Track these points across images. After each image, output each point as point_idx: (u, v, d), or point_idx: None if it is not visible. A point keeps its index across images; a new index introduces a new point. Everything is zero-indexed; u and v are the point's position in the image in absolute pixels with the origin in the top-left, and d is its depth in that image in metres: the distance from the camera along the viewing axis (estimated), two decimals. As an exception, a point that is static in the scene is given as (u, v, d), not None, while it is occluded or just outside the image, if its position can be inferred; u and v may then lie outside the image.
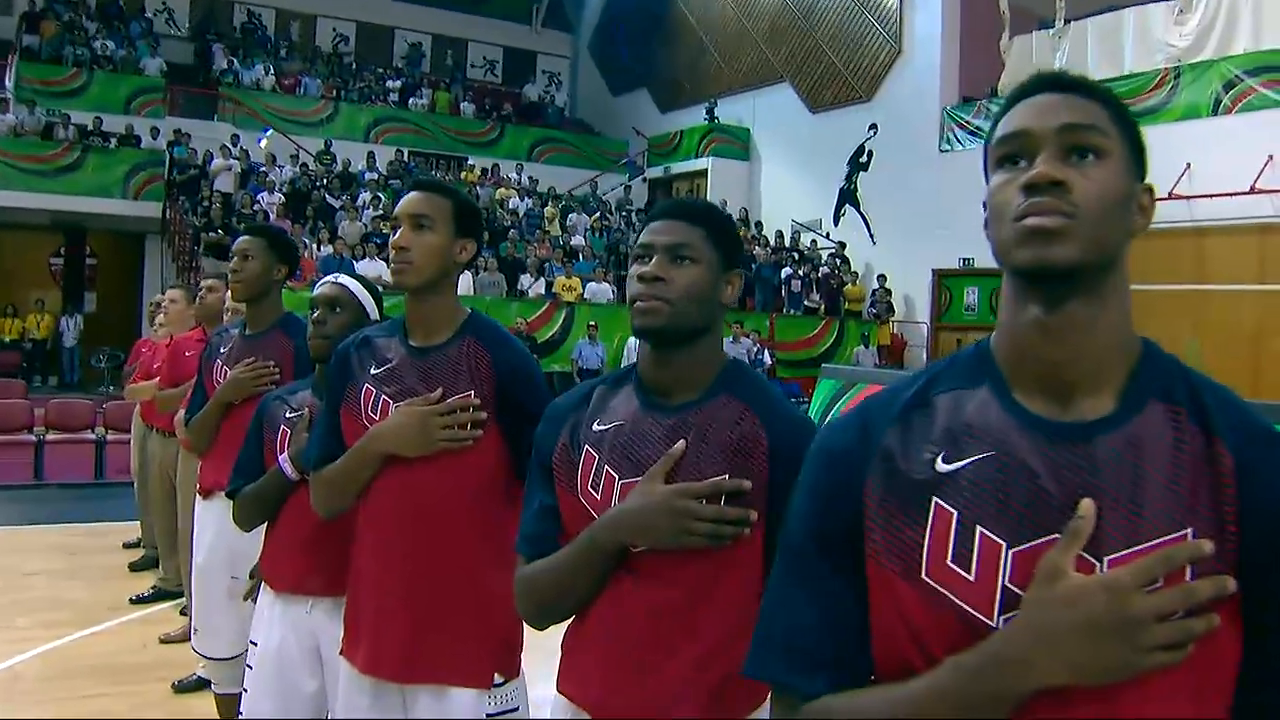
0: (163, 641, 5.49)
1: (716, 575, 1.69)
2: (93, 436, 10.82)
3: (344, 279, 2.91)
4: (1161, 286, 16.75)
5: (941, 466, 1.17)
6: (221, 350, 3.73)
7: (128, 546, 7.69)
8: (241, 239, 3.67)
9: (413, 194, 2.38)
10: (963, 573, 1.12)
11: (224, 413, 3.62)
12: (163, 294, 8.18)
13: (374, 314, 2.89)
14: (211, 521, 3.64)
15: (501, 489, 2.32)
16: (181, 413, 4.62)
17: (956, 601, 1.12)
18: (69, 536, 8.17)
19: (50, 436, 10.68)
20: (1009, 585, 1.10)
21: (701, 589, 1.69)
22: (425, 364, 2.33)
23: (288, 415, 2.87)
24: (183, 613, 5.88)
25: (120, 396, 10.65)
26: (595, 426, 1.81)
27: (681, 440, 1.72)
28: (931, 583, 1.13)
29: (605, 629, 1.74)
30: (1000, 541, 1.11)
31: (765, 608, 1.27)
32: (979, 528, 1.12)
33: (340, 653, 2.42)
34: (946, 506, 1.14)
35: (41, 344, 19.71)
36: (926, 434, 1.20)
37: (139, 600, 6.26)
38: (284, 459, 2.78)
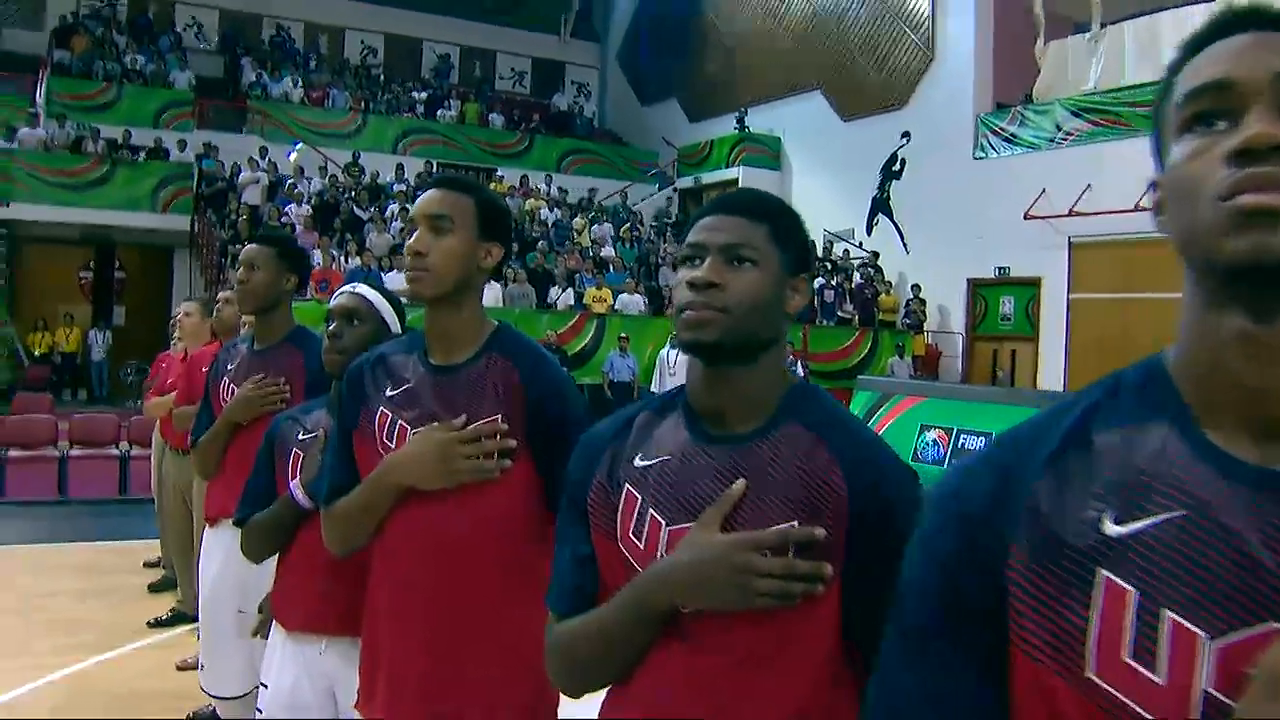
0: (179, 668, 5.29)
1: (781, 642, 1.41)
2: (117, 452, 10.68)
3: (362, 289, 2.68)
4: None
5: (1112, 529, 0.90)
6: (229, 366, 3.49)
7: (148, 566, 7.52)
8: (248, 248, 3.44)
9: (430, 192, 2.12)
10: (1145, 672, 0.85)
11: (231, 434, 3.37)
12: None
13: (395, 327, 2.66)
14: (218, 551, 3.39)
15: (533, 522, 2.07)
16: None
17: (1135, 708, 0.85)
18: (92, 555, 8.02)
19: (74, 452, 10.54)
20: (1211, 691, 0.82)
21: (762, 658, 1.41)
22: (446, 384, 2.09)
23: (300, 437, 2.66)
24: (197, 636, 5.70)
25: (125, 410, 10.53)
26: (637, 462, 1.54)
27: (741, 479, 1.44)
28: (1100, 683, 0.87)
29: (647, 701, 1.47)
30: (1197, 631, 0.83)
31: (872, 700, 1.04)
32: (1167, 612, 0.85)
33: (354, 705, 2.19)
34: (1119, 582, 0.87)
35: (70, 358, 19.69)
36: (1088, 485, 0.92)
37: (157, 624, 6.08)
38: (295, 485, 2.56)
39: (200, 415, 3.58)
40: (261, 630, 2.83)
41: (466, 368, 2.09)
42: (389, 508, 2.06)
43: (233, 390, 3.39)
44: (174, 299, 19.99)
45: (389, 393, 2.12)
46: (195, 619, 5.94)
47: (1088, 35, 19.78)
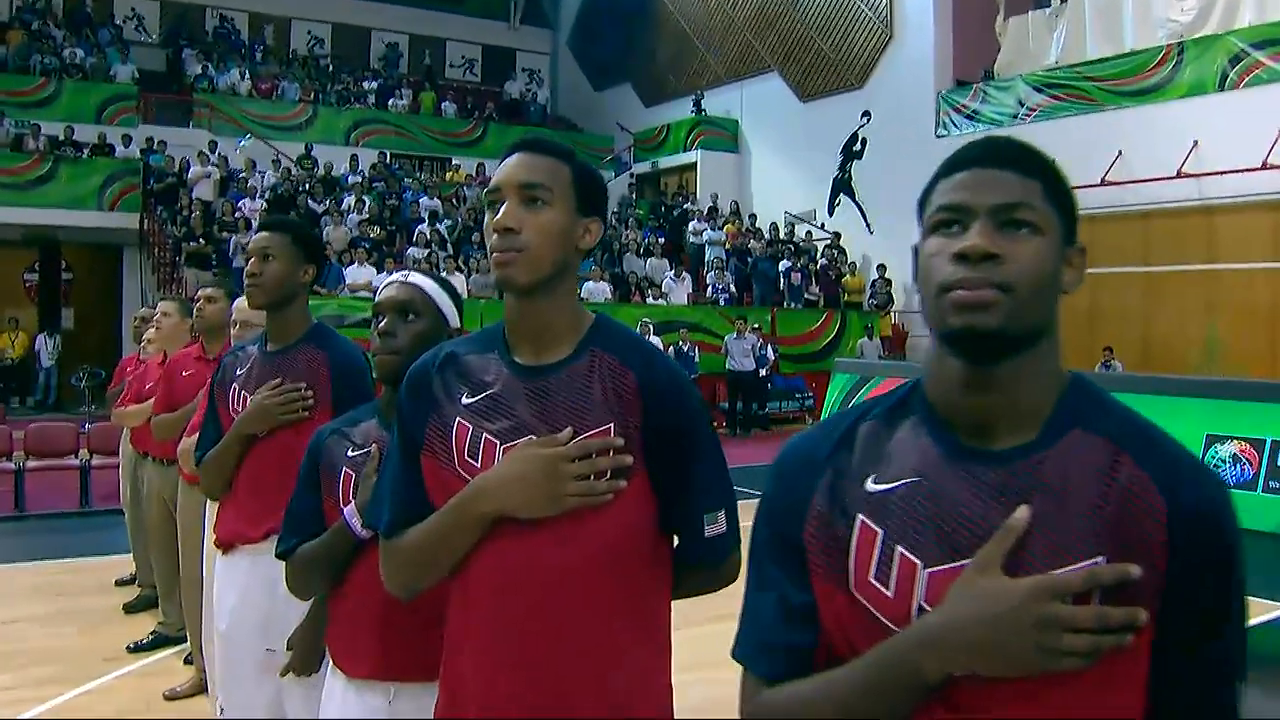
0: (168, 699, 4.89)
1: (1082, 707, 1.11)
2: (76, 462, 10.14)
3: (416, 277, 2.30)
4: (1172, 268, 16.41)
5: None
6: (238, 372, 3.08)
7: (120, 584, 7.04)
8: (260, 235, 3.04)
9: (519, 156, 1.72)
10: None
11: (245, 448, 2.98)
12: (148, 307, 7.58)
13: (454, 321, 2.31)
14: (235, 581, 2.97)
15: (646, 549, 1.71)
16: (186, 443, 4.04)
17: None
18: (55, 575, 7.46)
19: (31, 464, 9.99)
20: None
21: None
22: (542, 389, 1.70)
23: (350, 455, 2.27)
24: (187, 661, 5.29)
25: (104, 417, 9.98)
26: (871, 485, 1.23)
27: (1024, 505, 1.13)
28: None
29: None
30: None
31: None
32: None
33: None
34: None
35: (17, 365, 19.07)
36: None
37: (138, 648, 5.60)
38: (351, 513, 2.19)
39: (205, 427, 3.16)
40: (297, 670, 2.47)
41: (566, 367, 1.71)
42: (474, 541, 1.68)
43: (244, 398, 3.00)
44: (125, 300, 19.51)
45: (466, 400, 1.72)
46: (179, 641, 5.58)
47: (1048, 10, 19.76)
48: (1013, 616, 1.08)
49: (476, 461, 1.70)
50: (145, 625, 5.93)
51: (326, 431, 2.37)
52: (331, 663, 2.28)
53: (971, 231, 1.17)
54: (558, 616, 1.65)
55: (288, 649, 2.53)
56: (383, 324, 2.21)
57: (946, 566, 1.15)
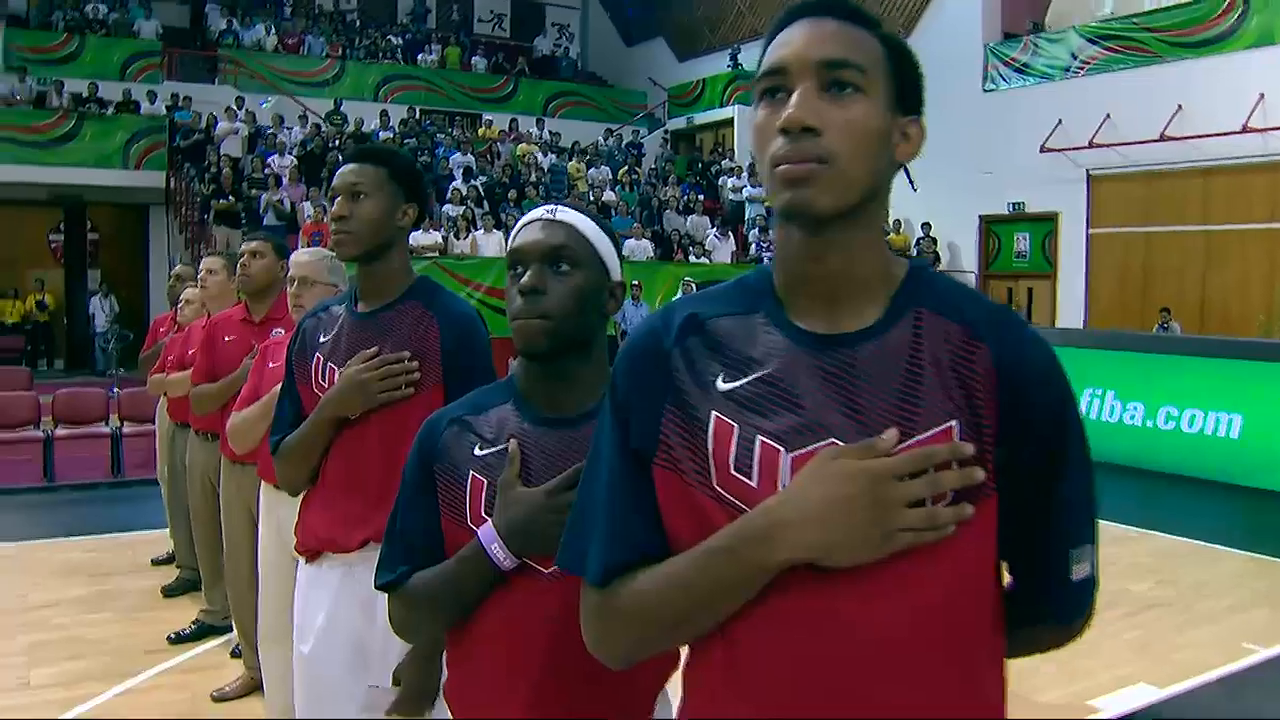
0: (216, 699, 4.43)
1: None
2: (107, 430, 9.70)
3: (568, 214, 1.72)
4: (1234, 226, 15.77)
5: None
6: (321, 338, 2.53)
7: (157, 564, 6.61)
8: (348, 169, 2.48)
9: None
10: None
11: (335, 433, 2.44)
12: (186, 265, 7.09)
13: (616, 273, 1.76)
14: (322, 597, 2.43)
15: (989, 607, 1.22)
16: (235, 419, 3.54)
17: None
18: (89, 552, 7.00)
19: (60, 432, 9.54)
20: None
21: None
22: (845, 368, 1.25)
23: (479, 453, 1.71)
24: (234, 654, 4.85)
25: (135, 381, 9.55)
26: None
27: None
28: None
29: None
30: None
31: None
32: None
33: None
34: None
35: (45, 326, 18.72)
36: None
37: (180, 639, 5.14)
38: (489, 535, 1.63)
39: (281, 407, 2.59)
40: (402, 709, 1.97)
41: (878, 336, 1.26)
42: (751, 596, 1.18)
43: (332, 372, 2.46)
44: (151, 260, 19.11)
45: (725, 385, 1.28)
46: (225, 630, 5.13)
47: (1105, -42, 18.97)
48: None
49: (749, 478, 1.18)
50: (186, 611, 5.48)
51: (443, 421, 1.77)
52: (449, 708, 1.78)
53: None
54: (864, 709, 1.14)
55: (394, 683, 2.03)
56: (526, 277, 1.65)
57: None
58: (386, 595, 1.76)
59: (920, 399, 1.15)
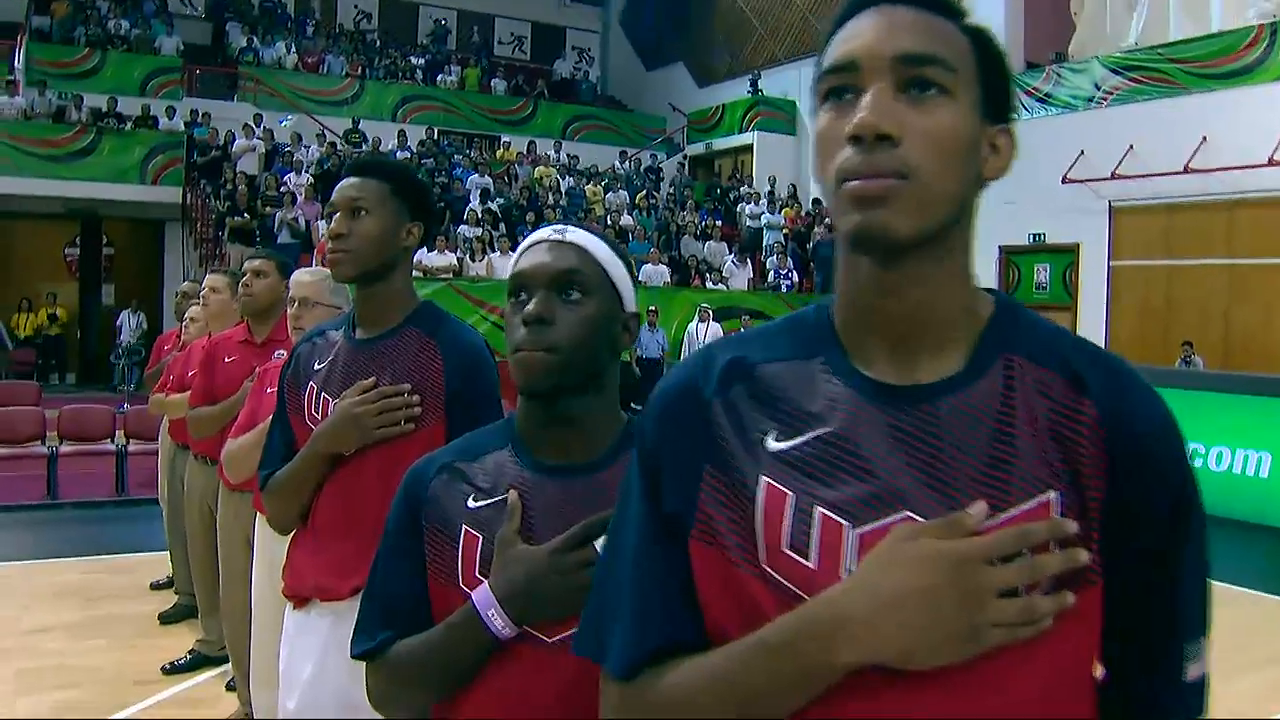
0: (208, 736, 4.27)
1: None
2: (112, 447, 9.56)
3: (578, 234, 1.52)
4: (1259, 260, 15.57)
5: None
6: (316, 365, 2.34)
7: (156, 588, 6.43)
8: (348, 183, 2.30)
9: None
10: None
11: (328, 470, 2.24)
12: (192, 281, 6.96)
13: (630, 303, 1.55)
14: (310, 645, 2.23)
15: (1088, 708, 1.01)
16: (231, 445, 3.37)
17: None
18: (87, 574, 6.83)
19: (64, 448, 9.40)
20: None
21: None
22: (923, 427, 1.05)
23: (473, 505, 1.50)
24: (229, 687, 4.67)
25: (143, 399, 9.41)
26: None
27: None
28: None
29: None
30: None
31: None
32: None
33: None
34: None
35: (58, 340, 18.66)
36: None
37: (174, 669, 4.96)
38: (485, 600, 1.42)
39: (271, 439, 2.40)
40: None
41: (963, 388, 1.07)
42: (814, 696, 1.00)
43: (326, 403, 2.27)
44: (166, 276, 19.07)
45: (777, 445, 1.09)
46: (221, 661, 4.94)
47: (1129, -11, 18.82)
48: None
49: (806, 557, 0.98)
50: (182, 639, 5.31)
51: (432, 467, 1.55)
52: None
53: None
54: None
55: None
56: (532, 305, 1.45)
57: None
58: (364, 664, 1.55)
59: (1013, 465, 0.95)
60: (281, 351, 3.94)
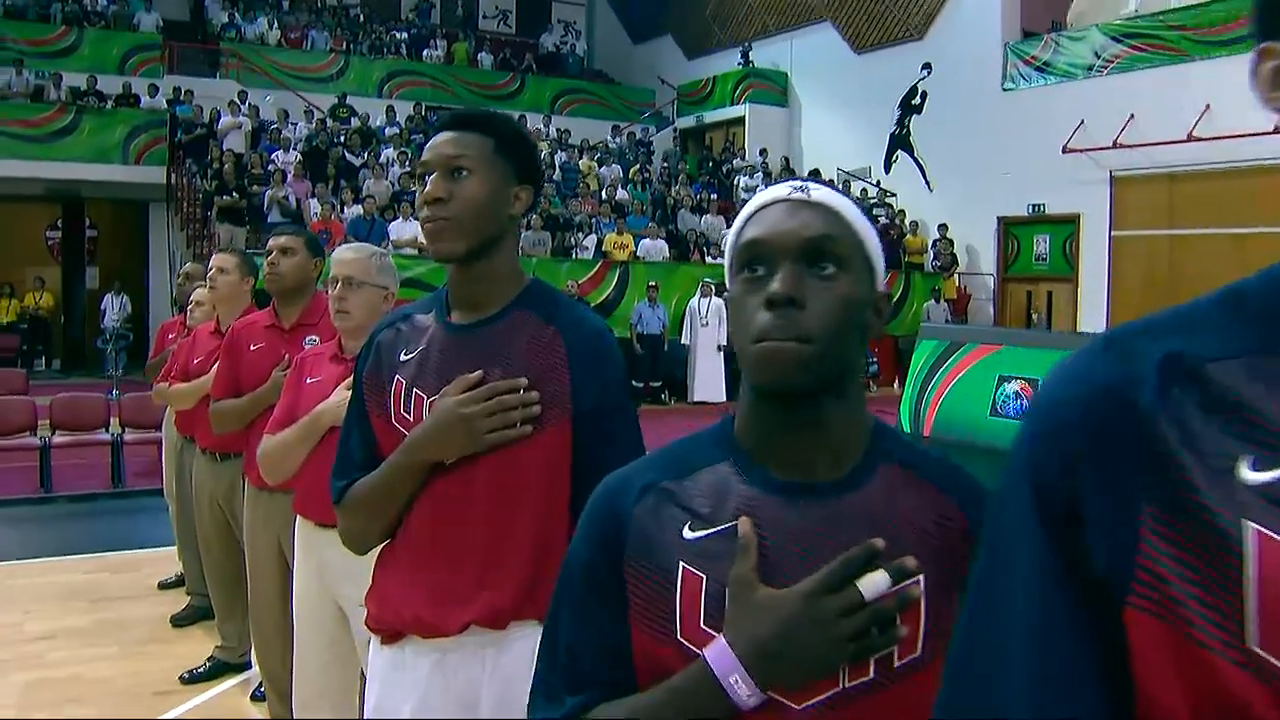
0: (236, 754, 3.97)
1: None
2: (107, 436, 9.20)
3: (823, 191, 1.19)
4: (1264, 229, 15.34)
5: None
6: (403, 356, 1.94)
7: (165, 587, 6.11)
8: (444, 138, 1.89)
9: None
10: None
11: (426, 481, 1.87)
12: (196, 263, 6.62)
13: (883, 279, 1.22)
14: (407, 685, 1.86)
15: None
16: (268, 442, 3.06)
17: None
18: (90, 573, 6.48)
19: (57, 438, 9.03)
20: None
21: None
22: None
23: (689, 535, 1.17)
24: (254, 697, 4.38)
25: (137, 383, 9.06)
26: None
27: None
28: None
29: None
30: None
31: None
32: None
33: None
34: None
35: (42, 324, 18.25)
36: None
37: (193, 679, 4.65)
38: (726, 659, 1.09)
39: (346, 443, 2.01)
40: None
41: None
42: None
43: (419, 400, 1.89)
44: (151, 257, 18.69)
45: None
46: (242, 667, 4.65)
47: (1129, -46, 18.56)
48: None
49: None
50: (198, 644, 5.00)
51: (633, 488, 1.24)
52: None
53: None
54: None
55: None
56: (778, 283, 1.15)
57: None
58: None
59: None
60: (314, 337, 3.64)
